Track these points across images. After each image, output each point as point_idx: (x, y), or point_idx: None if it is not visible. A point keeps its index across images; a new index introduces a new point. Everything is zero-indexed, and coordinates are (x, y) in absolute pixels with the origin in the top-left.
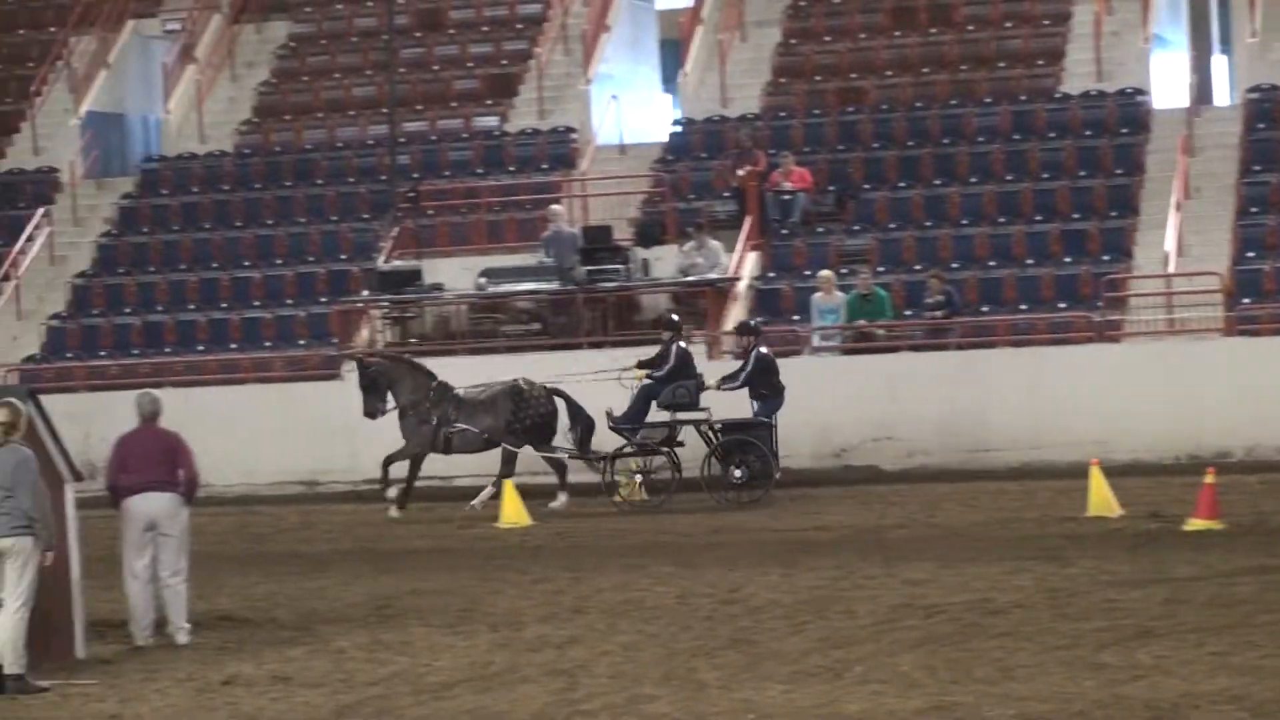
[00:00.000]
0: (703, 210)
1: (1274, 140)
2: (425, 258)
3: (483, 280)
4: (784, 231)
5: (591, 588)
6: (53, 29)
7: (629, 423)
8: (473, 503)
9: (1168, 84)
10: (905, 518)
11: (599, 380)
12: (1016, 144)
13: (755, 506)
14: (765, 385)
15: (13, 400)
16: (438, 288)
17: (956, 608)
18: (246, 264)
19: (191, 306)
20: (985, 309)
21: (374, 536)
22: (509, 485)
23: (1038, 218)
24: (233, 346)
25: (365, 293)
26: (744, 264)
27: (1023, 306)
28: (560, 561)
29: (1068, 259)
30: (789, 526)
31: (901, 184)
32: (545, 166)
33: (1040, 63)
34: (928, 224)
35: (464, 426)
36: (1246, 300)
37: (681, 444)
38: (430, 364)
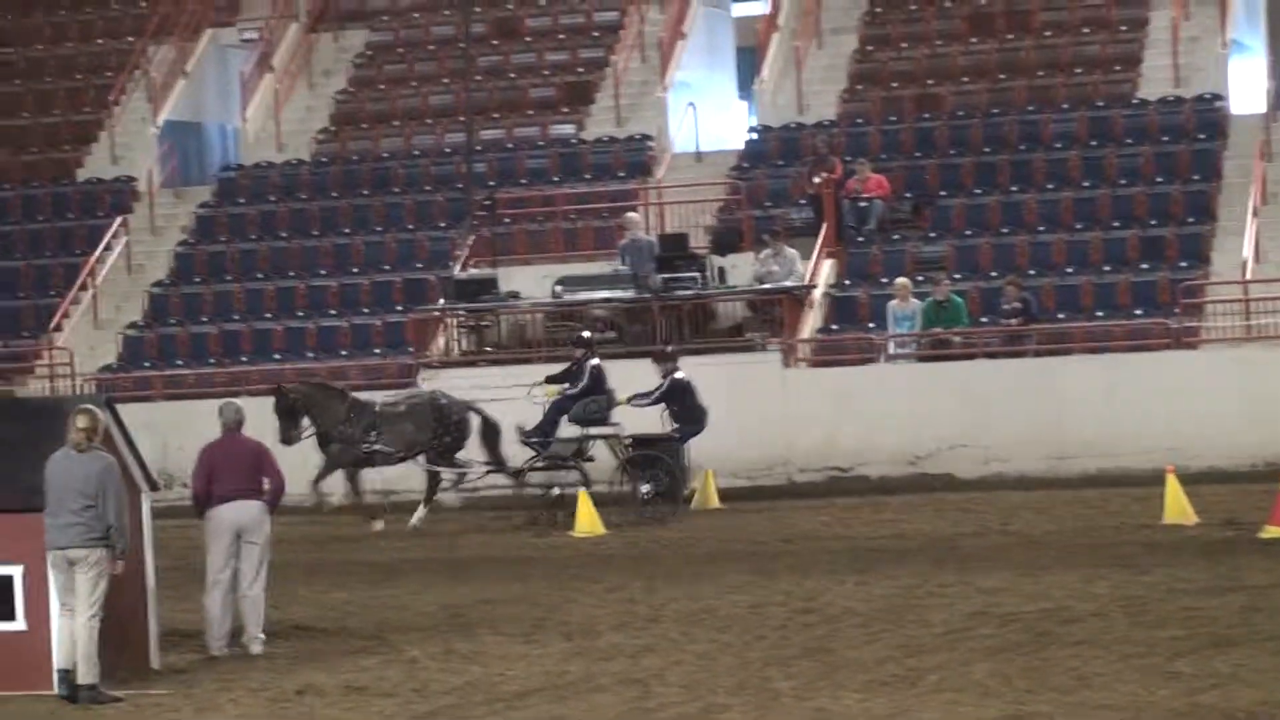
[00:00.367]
0: (779, 218)
1: None
2: (501, 266)
3: (559, 288)
4: (860, 239)
5: (665, 596)
6: (130, 38)
7: (539, 436)
8: (412, 521)
9: (1245, 89)
10: (981, 525)
11: (509, 397)
12: (1093, 150)
13: (662, 522)
14: (681, 409)
15: (91, 407)
16: (514, 296)
17: (1032, 616)
18: (323, 273)
19: (268, 315)
20: (1062, 315)
21: (446, 545)
22: (583, 495)
23: (1115, 224)
24: (309, 355)
25: (441, 301)
26: (820, 271)
27: (1099, 313)
28: (634, 570)
29: (1145, 265)
30: (864, 534)
31: (978, 190)
32: (621, 174)
33: (1117, 68)
34: (1004, 230)
35: (381, 448)
36: None
37: (591, 459)
38: (507, 372)
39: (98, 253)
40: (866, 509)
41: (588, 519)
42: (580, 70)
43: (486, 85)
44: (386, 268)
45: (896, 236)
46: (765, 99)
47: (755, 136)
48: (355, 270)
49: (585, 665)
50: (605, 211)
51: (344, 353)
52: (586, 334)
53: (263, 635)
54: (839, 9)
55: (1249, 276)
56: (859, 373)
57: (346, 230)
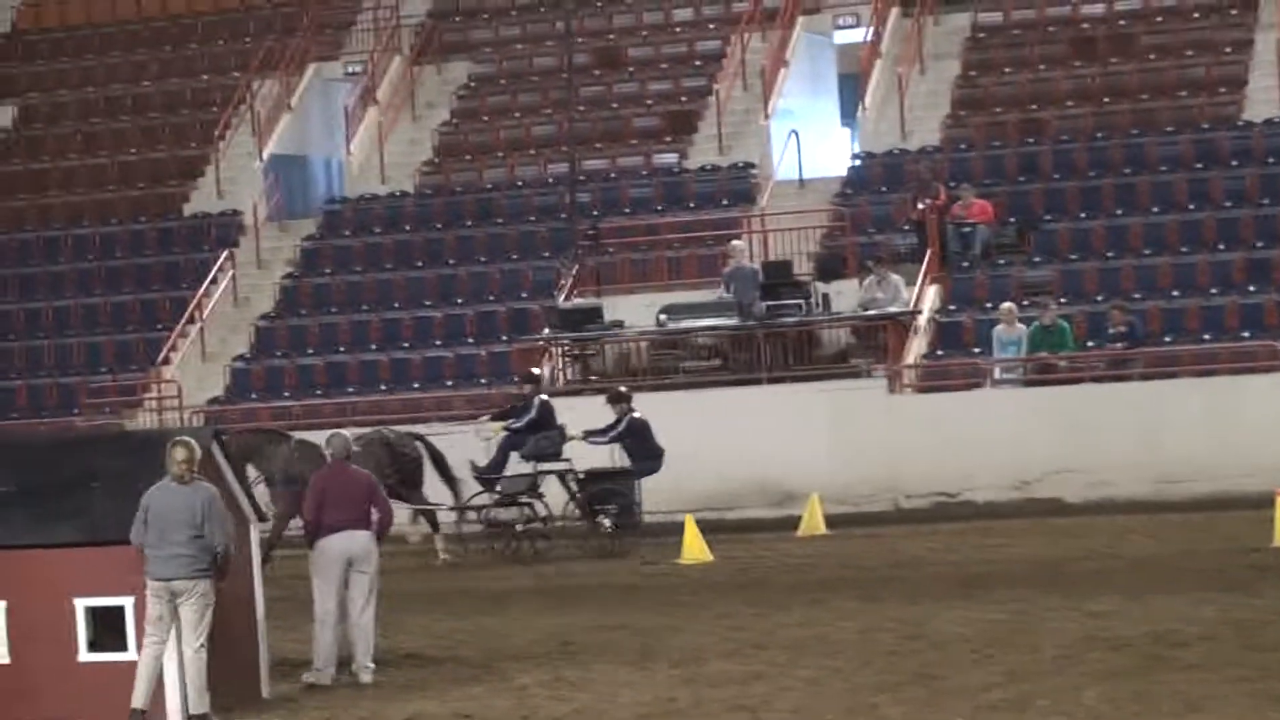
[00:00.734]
0: (883, 244)
1: None
2: (605, 295)
3: (663, 317)
4: (965, 264)
5: (774, 623)
6: (236, 73)
7: (492, 472)
8: (441, 556)
9: None
10: (1088, 549)
11: (458, 433)
12: (1199, 173)
13: (618, 555)
14: (636, 447)
15: (188, 438)
16: (618, 325)
17: (1141, 640)
18: (428, 304)
19: (374, 347)
20: (1168, 339)
21: (555, 573)
22: (690, 521)
23: (1220, 246)
24: (415, 386)
25: (546, 331)
26: (925, 297)
27: (1206, 336)
28: (742, 597)
29: (1251, 288)
30: (971, 559)
31: (1083, 215)
32: (725, 202)
33: (1222, 90)
34: (1109, 255)
35: None
36: None
37: (542, 495)
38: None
39: (204, 286)
40: (973, 534)
41: (695, 545)
42: (683, 99)
43: (589, 115)
44: (491, 298)
45: (1001, 261)
46: (868, 125)
47: (858, 163)
48: (460, 301)
49: (694, 692)
50: (709, 240)
51: (449, 383)
52: (536, 371)
53: (372, 664)
54: (941, 35)
55: None
56: (964, 398)
57: (451, 261)
